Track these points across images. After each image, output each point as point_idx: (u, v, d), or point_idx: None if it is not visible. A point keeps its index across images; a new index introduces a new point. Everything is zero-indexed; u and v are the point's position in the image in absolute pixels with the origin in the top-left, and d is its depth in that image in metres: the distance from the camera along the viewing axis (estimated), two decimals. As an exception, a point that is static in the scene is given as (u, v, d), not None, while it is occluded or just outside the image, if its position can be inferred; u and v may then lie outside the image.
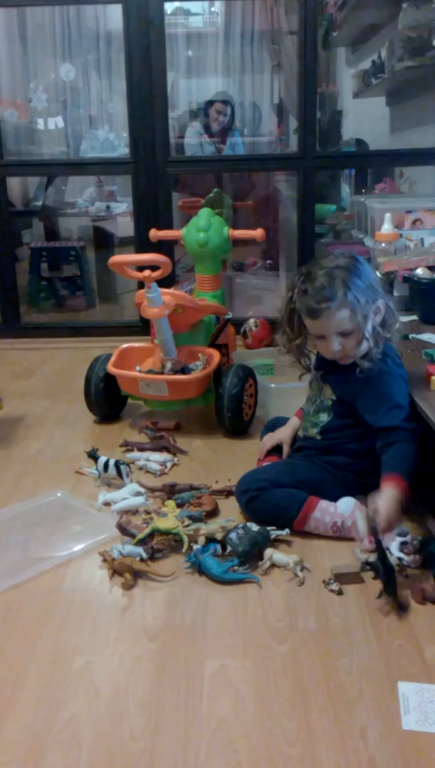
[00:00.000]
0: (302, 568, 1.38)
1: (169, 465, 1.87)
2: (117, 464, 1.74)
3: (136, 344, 2.23)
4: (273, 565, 1.41)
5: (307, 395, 1.67)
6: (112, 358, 2.13)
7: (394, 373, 1.49)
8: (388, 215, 2.20)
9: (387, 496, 1.34)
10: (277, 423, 1.79)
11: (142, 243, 3.01)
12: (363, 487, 1.53)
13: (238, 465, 1.81)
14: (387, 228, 2.20)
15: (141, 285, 1.95)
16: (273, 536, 1.46)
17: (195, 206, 2.50)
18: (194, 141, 4.14)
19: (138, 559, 1.41)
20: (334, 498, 1.52)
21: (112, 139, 4.46)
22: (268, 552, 1.42)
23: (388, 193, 3.19)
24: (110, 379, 2.13)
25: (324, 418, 1.58)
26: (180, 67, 5.63)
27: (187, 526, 1.49)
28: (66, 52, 5.28)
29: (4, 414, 2.26)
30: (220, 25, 5.59)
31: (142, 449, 1.94)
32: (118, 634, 1.24)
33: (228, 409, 2.00)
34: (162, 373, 2.05)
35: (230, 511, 1.61)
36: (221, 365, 2.11)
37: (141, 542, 1.46)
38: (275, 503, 1.51)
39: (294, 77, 3.53)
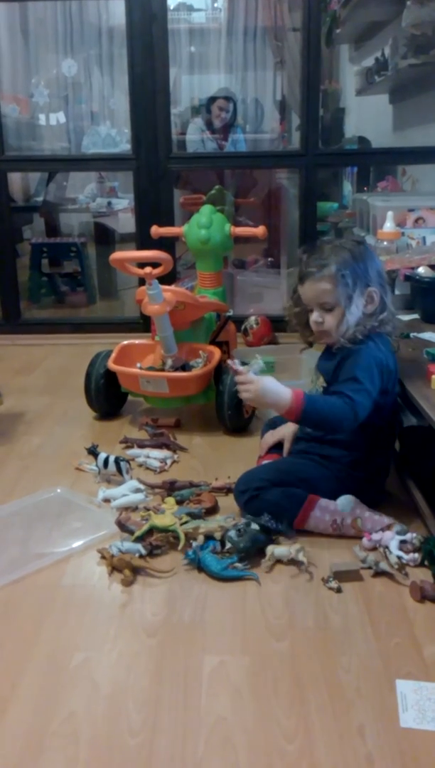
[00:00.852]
0: (303, 555, 1.39)
1: (168, 462, 1.87)
2: (117, 461, 1.75)
3: (136, 341, 2.23)
4: (277, 562, 1.41)
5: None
6: (113, 355, 2.13)
7: (369, 353, 1.47)
8: (390, 213, 2.20)
9: (280, 386, 1.41)
10: (277, 421, 1.79)
11: (143, 239, 3.01)
12: (358, 483, 1.53)
13: (238, 462, 1.81)
14: (389, 226, 2.19)
15: (142, 282, 1.95)
16: (272, 526, 1.46)
17: (196, 203, 2.49)
18: (196, 137, 4.13)
19: (137, 555, 1.41)
20: (331, 494, 1.52)
21: (113, 135, 4.45)
22: (270, 549, 1.42)
23: (391, 191, 3.18)
24: (111, 376, 2.13)
25: None
26: (182, 63, 5.61)
27: (186, 523, 1.49)
28: (68, 47, 5.27)
29: (4, 410, 2.26)
30: (223, 21, 5.57)
31: (142, 446, 1.95)
32: (117, 631, 1.24)
33: (228, 406, 2.00)
34: (162, 370, 2.05)
35: (230, 509, 1.61)
36: (222, 362, 2.11)
37: (139, 539, 1.46)
38: (275, 502, 1.51)
39: (297, 74, 3.52)
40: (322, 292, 1.49)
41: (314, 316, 1.53)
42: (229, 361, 1.50)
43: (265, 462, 1.71)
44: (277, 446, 1.74)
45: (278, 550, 1.41)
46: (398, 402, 1.60)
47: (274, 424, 1.80)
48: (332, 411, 1.42)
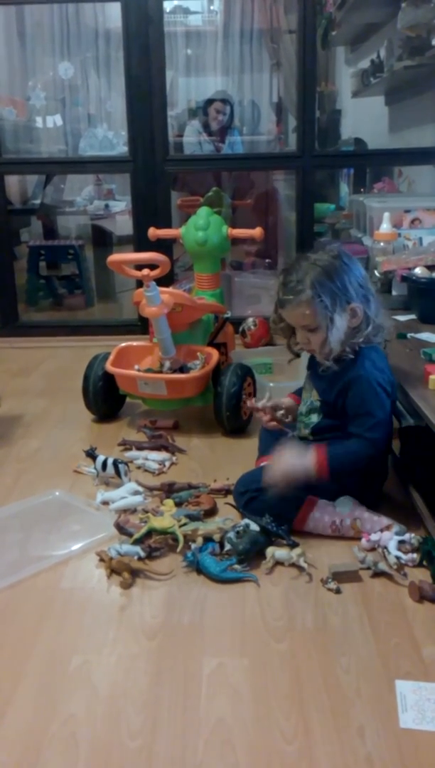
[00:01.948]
0: (304, 560, 1.39)
1: (167, 464, 1.87)
2: (115, 463, 1.74)
3: (134, 343, 2.23)
4: (277, 563, 1.41)
5: (302, 395, 1.68)
6: (111, 357, 2.13)
7: (370, 377, 1.47)
8: (386, 214, 2.20)
9: (299, 457, 1.45)
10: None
11: (140, 242, 3.01)
12: (357, 485, 1.53)
13: (236, 464, 1.81)
14: (385, 227, 2.20)
15: (139, 284, 1.95)
16: (272, 529, 1.46)
17: (194, 205, 2.50)
18: (193, 140, 4.14)
19: (136, 558, 1.41)
20: (330, 495, 1.52)
21: (110, 137, 4.46)
22: (270, 550, 1.42)
23: (387, 192, 3.19)
24: (109, 378, 2.13)
25: (314, 418, 1.59)
26: (179, 65, 5.62)
27: (184, 524, 1.49)
28: (65, 50, 5.27)
29: (2, 413, 2.25)
30: (219, 24, 5.58)
31: (140, 448, 1.94)
32: (116, 633, 1.24)
33: (226, 408, 2.00)
34: (160, 371, 2.05)
35: (229, 510, 1.61)
36: (220, 364, 2.11)
37: (138, 541, 1.46)
38: (274, 503, 1.51)
39: (293, 76, 3.53)
40: (301, 317, 1.47)
41: (299, 337, 1.52)
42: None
43: (264, 463, 1.70)
44: (274, 448, 1.73)
45: (279, 552, 1.41)
46: (395, 406, 1.60)
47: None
48: (356, 457, 1.46)
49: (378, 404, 1.46)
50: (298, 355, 1.65)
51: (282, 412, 1.70)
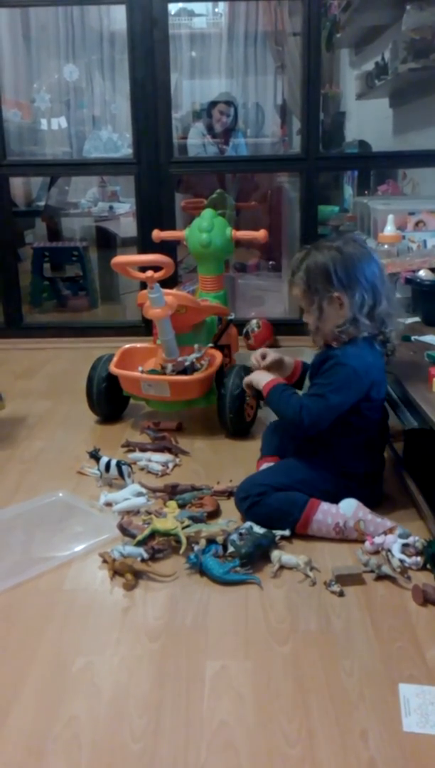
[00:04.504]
0: (312, 568, 1.38)
1: (170, 465, 1.87)
2: (119, 465, 1.75)
3: (138, 345, 2.23)
4: (282, 567, 1.41)
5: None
6: (115, 359, 2.13)
7: (344, 361, 1.48)
8: (390, 217, 2.20)
9: (264, 376, 1.63)
10: (279, 424, 1.79)
11: (144, 243, 3.02)
12: (350, 489, 1.53)
13: (239, 466, 1.81)
14: (390, 230, 2.20)
15: (143, 285, 1.95)
16: (277, 536, 1.46)
17: (198, 207, 2.50)
18: (197, 142, 4.16)
19: (139, 559, 1.41)
20: (330, 494, 1.52)
21: (115, 139, 4.47)
22: (276, 554, 1.42)
23: (391, 194, 3.19)
24: (112, 380, 2.13)
25: None
26: (183, 67, 5.64)
27: (187, 526, 1.49)
28: (69, 52, 5.30)
29: (6, 414, 2.26)
30: (224, 26, 5.60)
31: (143, 450, 1.95)
32: (119, 635, 1.24)
33: (230, 409, 2.00)
34: (164, 373, 2.05)
35: (232, 512, 1.61)
36: (223, 366, 2.11)
37: (141, 543, 1.46)
38: (276, 507, 1.51)
39: (297, 78, 3.53)
40: (297, 296, 1.56)
41: (305, 316, 1.59)
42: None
43: (263, 466, 1.71)
44: (275, 450, 1.74)
45: (286, 557, 1.41)
46: (385, 408, 1.60)
47: (274, 427, 1.80)
48: (281, 407, 1.55)
49: (333, 386, 1.48)
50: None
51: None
